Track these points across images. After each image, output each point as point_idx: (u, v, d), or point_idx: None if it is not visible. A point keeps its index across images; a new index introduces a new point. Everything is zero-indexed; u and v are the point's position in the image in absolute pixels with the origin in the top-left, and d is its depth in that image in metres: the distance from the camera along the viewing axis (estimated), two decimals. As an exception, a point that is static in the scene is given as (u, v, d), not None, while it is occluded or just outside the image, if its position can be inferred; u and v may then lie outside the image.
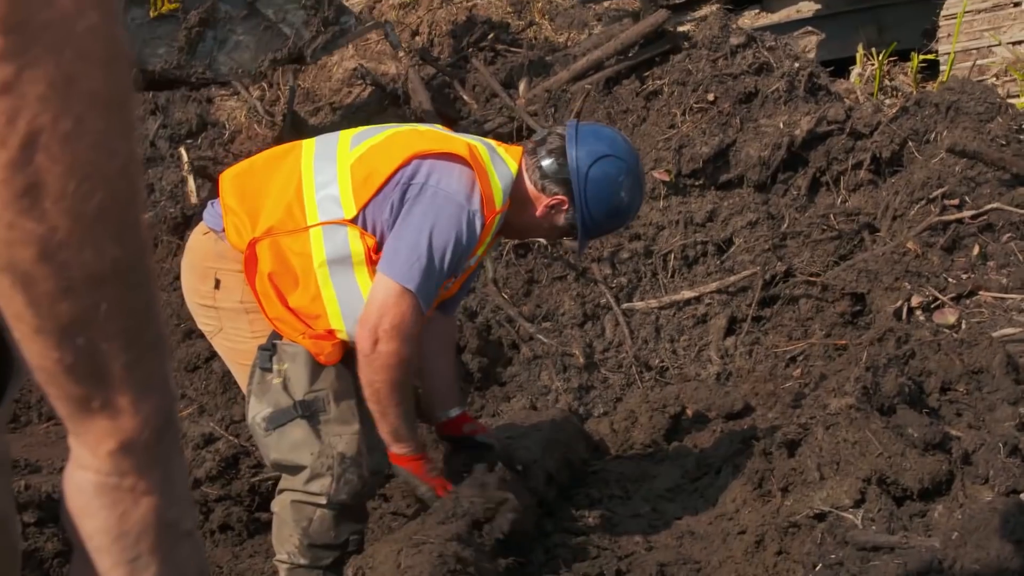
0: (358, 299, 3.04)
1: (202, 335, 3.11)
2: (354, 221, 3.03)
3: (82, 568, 0.91)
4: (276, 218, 3.02)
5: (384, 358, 2.98)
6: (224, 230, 3.07)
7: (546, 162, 3.30)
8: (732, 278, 5.72)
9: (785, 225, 5.88)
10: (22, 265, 0.75)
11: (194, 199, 7.53)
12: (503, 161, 3.28)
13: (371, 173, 3.06)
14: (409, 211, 3.03)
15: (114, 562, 0.87)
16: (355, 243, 3.03)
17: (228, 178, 3.15)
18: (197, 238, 3.19)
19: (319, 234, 3.02)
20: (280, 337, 3.06)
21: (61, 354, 0.79)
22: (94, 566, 0.89)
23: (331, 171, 3.09)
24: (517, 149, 3.40)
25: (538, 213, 3.34)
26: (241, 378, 3.14)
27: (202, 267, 3.12)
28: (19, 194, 0.73)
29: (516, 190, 3.27)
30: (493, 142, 3.39)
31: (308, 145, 3.22)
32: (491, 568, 3.01)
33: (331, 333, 3.07)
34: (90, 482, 0.86)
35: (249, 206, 3.05)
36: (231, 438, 4.14)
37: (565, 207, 3.31)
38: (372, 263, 3.04)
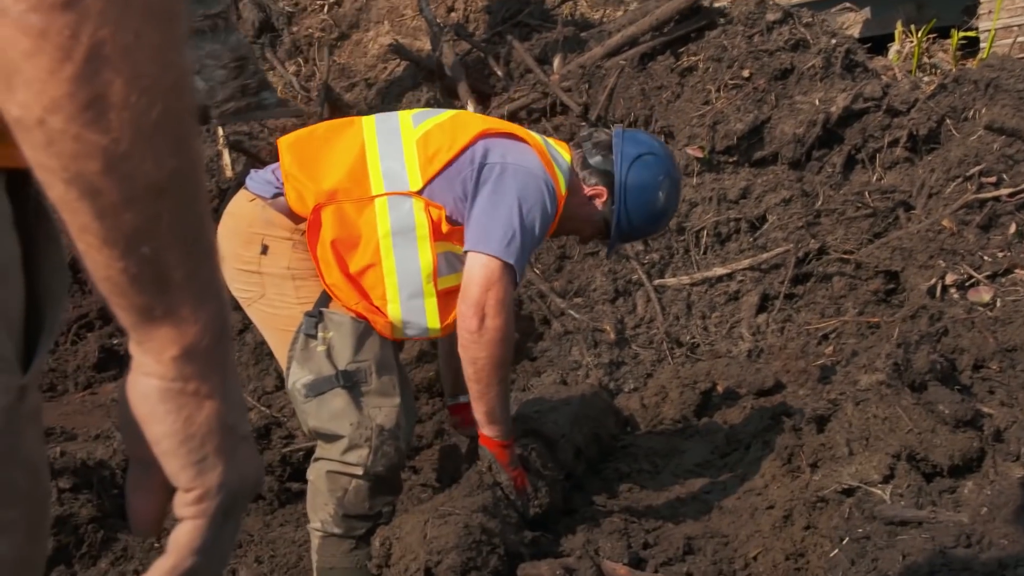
0: (416, 273, 3.09)
1: (236, 306, 3.12)
2: (420, 193, 3.06)
3: (140, 476, 0.94)
4: (341, 185, 3.05)
5: (492, 333, 3.01)
6: (282, 196, 3.09)
7: (592, 155, 3.36)
8: (765, 255, 5.69)
9: (819, 202, 5.83)
10: (88, 177, 0.77)
11: (229, 173, 7.56)
12: (557, 151, 3.33)
13: (439, 149, 3.10)
14: (494, 189, 3.06)
15: (182, 464, 0.90)
16: (420, 215, 3.06)
17: (286, 145, 3.15)
18: (242, 204, 3.19)
19: (384, 204, 3.05)
20: (327, 305, 3.08)
21: (126, 263, 0.81)
22: (153, 472, 0.92)
23: (396, 144, 3.13)
24: (564, 144, 3.45)
25: (579, 203, 3.37)
26: (281, 344, 3.13)
27: (248, 232, 3.12)
28: (84, 107, 0.74)
29: (569, 181, 3.30)
30: (541, 135, 3.42)
31: (368, 120, 3.24)
32: (517, 540, 3.03)
33: (381, 309, 3.10)
34: (155, 388, 0.88)
35: (311, 172, 3.07)
36: (263, 408, 4.17)
37: (603, 198, 3.36)
38: (436, 238, 3.07)
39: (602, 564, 2.98)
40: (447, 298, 3.14)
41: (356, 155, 3.10)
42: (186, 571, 0.93)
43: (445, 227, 3.09)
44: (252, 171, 3.27)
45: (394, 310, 3.11)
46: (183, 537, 0.93)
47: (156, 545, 3.38)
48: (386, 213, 3.05)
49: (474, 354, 3.04)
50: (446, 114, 3.28)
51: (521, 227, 3.02)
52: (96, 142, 0.76)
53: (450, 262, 3.14)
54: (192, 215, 0.84)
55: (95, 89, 0.74)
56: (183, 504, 0.92)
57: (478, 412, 3.19)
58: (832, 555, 2.88)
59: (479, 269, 3.01)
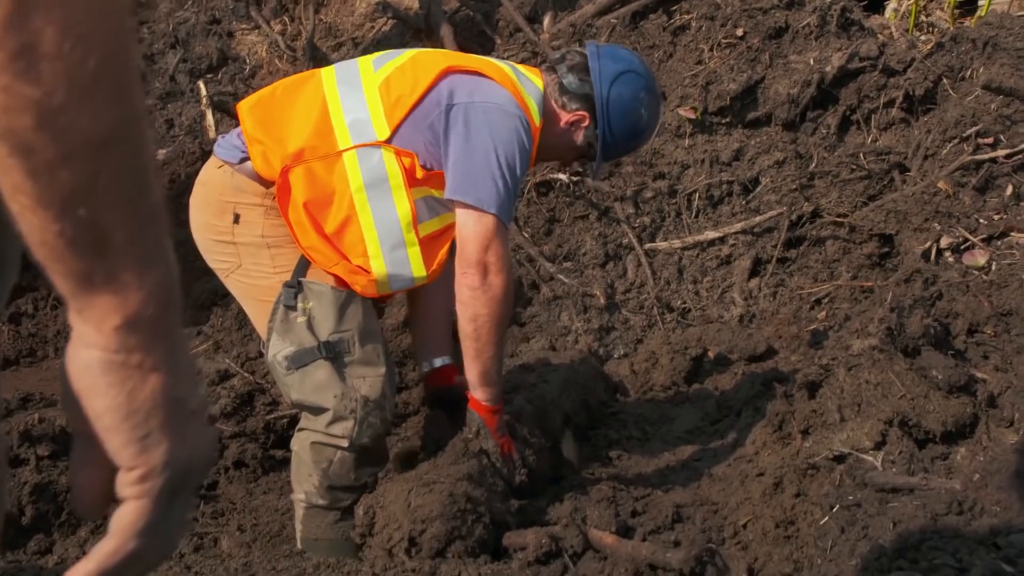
0: (395, 223, 3.06)
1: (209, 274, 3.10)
2: (388, 142, 3.03)
3: (84, 453, 0.90)
4: (307, 143, 3.01)
5: (495, 289, 3.01)
6: (249, 160, 3.05)
7: (568, 78, 3.30)
8: (758, 218, 5.67)
9: (813, 164, 5.80)
10: (20, 133, 0.73)
11: (213, 134, 7.51)
12: (528, 79, 3.28)
13: (402, 93, 3.06)
14: (466, 132, 3.02)
15: (125, 440, 0.87)
16: (391, 164, 3.03)
17: (247, 108, 3.12)
18: (211, 172, 3.16)
19: (353, 158, 3.02)
20: (305, 274, 3.05)
21: (62, 226, 0.78)
22: (98, 448, 0.88)
23: (358, 94, 3.08)
24: (535, 69, 3.38)
25: (558, 131, 3.32)
26: (260, 316, 3.12)
27: (219, 202, 3.10)
28: (14, 56, 0.71)
29: (544, 108, 3.25)
30: (510, 63, 3.37)
31: (327, 72, 3.19)
32: (503, 508, 3.03)
33: (363, 268, 3.07)
34: (97, 360, 0.85)
35: (275, 134, 3.03)
36: (247, 375, 4.16)
37: (586, 123, 3.32)
38: (411, 184, 3.04)
39: (589, 532, 2.97)
40: (430, 244, 3.12)
41: (319, 110, 3.06)
42: (128, 555, 0.90)
43: (420, 173, 3.06)
44: (220, 136, 3.23)
45: (378, 265, 3.08)
46: (125, 518, 0.90)
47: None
48: (356, 167, 3.02)
49: (476, 311, 3.02)
50: (406, 55, 3.22)
51: (501, 171, 2.99)
52: (28, 95, 0.72)
53: (430, 206, 3.12)
54: (134, 173, 0.80)
55: (25, 37, 0.71)
56: (126, 483, 0.89)
57: (472, 373, 3.16)
58: (822, 523, 2.88)
59: (473, 226, 2.98)
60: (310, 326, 3.03)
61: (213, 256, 3.16)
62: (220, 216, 3.09)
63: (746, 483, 3.42)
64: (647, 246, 5.69)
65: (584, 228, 5.72)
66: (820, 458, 3.23)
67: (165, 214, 0.86)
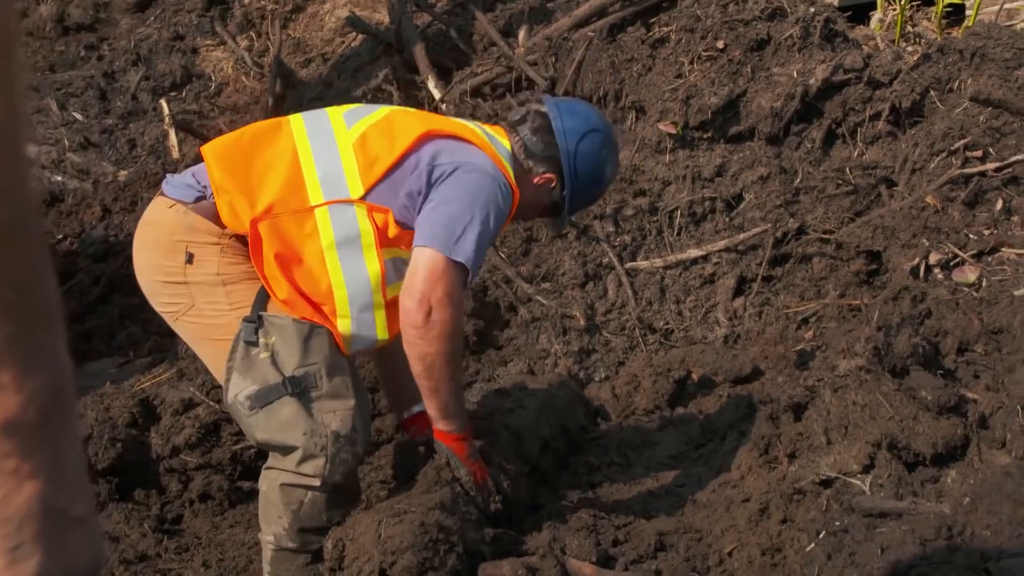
0: (366, 283, 3.08)
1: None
2: (362, 199, 3.05)
3: None
4: (277, 196, 3.02)
5: (439, 327, 2.98)
6: (207, 200, 3.06)
7: (532, 140, 3.39)
8: (742, 236, 5.68)
9: (798, 180, 5.83)
10: None
11: (176, 154, 7.51)
12: (499, 141, 3.34)
13: (380, 154, 3.10)
14: (446, 189, 3.07)
15: None
16: (364, 222, 3.05)
17: (213, 156, 3.10)
18: (160, 211, 3.12)
19: (325, 214, 3.04)
20: (265, 308, 3.04)
21: None
22: None
23: (331, 150, 3.11)
24: (499, 128, 3.47)
25: (529, 193, 3.40)
26: (216, 356, 3.08)
27: (170, 241, 3.06)
28: None
29: (515, 169, 3.32)
30: (476, 123, 3.43)
31: (296, 121, 3.21)
32: (477, 538, 3.02)
33: (332, 322, 3.08)
34: None
35: (242, 184, 3.04)
36: (212, 404, 4.13)
37: (553, 185, 3.42)
38: (382, 244, 3.06)
39: (567, 563, 2.97)
40: (394, 307, 3.12)
41: (289, 162, 3.08)
42: None
43: (392, 231, 3.08)
44: (168, 175, 3.23)
45: (344, 325, 3.10)
46: None
47: None
48: (328, 223, 3.04)
49: (422, 350, 3.02)
50: (380, 112, 3.27)
51: (472, 225, 3.02)
52: None
53: (398, 268, 3.13)
54: (19, 272, 0.79)
55: None
56: None
57: (431, 408, 3.17)
58: (808, 550, 2.91)
59: (423, 262, 3.00)
60: (274, 361, 3.00)
61: (162, 299, 3.13)
62: (171, 256, 3.07)
63: (731, 509, 3.43)
64: (628, 265, 5.70)
65: (563, 248, 5.73)
66: (807, 482, 3.25)
67: (58, 313, 0.84)
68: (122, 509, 3.80)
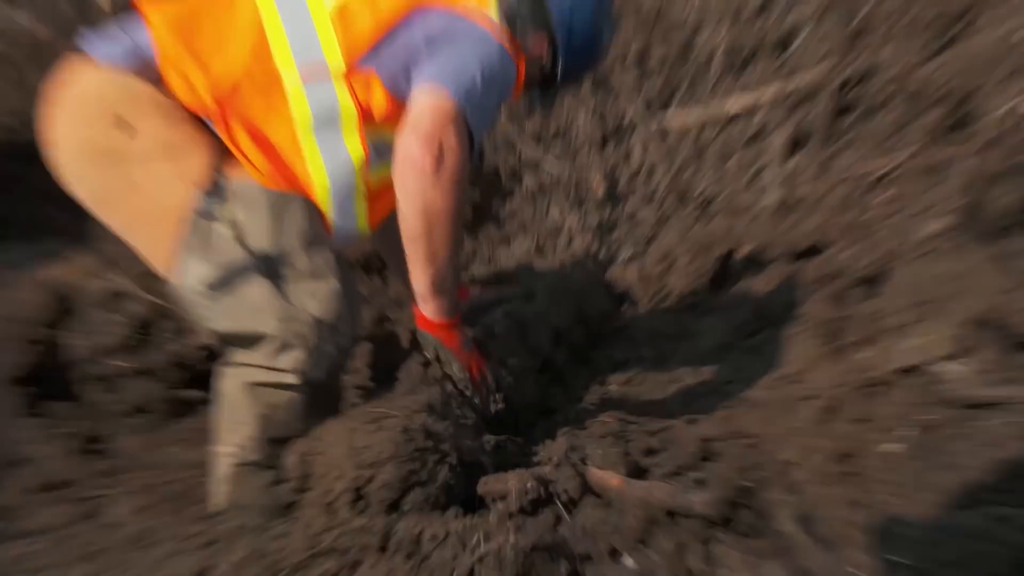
0: (348, 165, 3.06)
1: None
2: (343, 75, 3.02)
3: None
4: (243, 71, 2.98)
5: (451, 173, 2.92)
6: (151, 64, 2.99)
7: (518, 3, 3.36)
8: (795, 82, 5.62)
9: (865, 10, 5.69)
10: None
11: (107, 8, 7.41)
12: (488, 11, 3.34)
13: (364, 28, 3.05)
14: (449, 51, 3.03)
15: None
16: (345, 100, 3.01)
17: (161, 22, 3.03)
18: (89, 77, 3.05)
19: (300, 91, 3.00)
20: (224, 176, 3.00)
21: None
22: None
23: (304, 21, 3.06)
24: None
25: (522, 64, 3.40)
26: (160, 240, 3.01)
27: (104, 112, 2.99)
28: None
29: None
30: None
31: None
32: (474, 446, 2.95)
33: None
34: None
35: (200, 56, 2.98)
36: (148, 296, 4.04)
37: (545, 48, 3.42)
38: (365, 121, 3.05)
39: (589, 473, 2.87)
40: (375, 200, 3.15)
41: (256, 37, 3.02)
42: None
43: (380, 108, 3.04)
44: (88, 32, 3.13)
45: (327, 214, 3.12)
46: None
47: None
48: (304, 102, 3.00)
49: (428, 200, 2.94)
50: None
51: (481, 81, 2.98)
52: None
53: (380, 152, 3.11)
54: None
55: None
56: None
57: (422, 279, 3.12)
58: (889, 451, 2.88)
59: (430, 100, 2.93)
60: (238, 237, 2.97)
61: (88, 183, 3.07)
62: (106, 130, 3.00)
63: (792, 409, 3.41)
64: (656, 122, 5.65)
65: (576, 102, 5.71)
66: (884, 372, 3.25)
67: None
68: (38, 425, 3.76)
